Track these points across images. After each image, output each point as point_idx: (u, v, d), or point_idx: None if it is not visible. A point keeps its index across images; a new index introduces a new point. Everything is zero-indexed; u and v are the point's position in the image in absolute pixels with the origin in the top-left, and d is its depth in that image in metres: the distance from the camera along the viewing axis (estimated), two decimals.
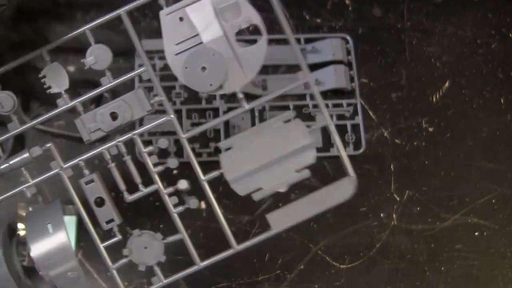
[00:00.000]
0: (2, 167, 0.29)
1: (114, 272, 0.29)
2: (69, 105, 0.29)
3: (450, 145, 0.52)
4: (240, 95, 0.28)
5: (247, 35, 0.51)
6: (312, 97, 0.52)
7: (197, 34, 0.28)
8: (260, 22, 0.28)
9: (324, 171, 0.50)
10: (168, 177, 0.30)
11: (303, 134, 0.29)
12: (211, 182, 0.29)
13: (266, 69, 0.52)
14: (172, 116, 0.29)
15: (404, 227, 0.50)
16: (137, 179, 0.29)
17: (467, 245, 0.50)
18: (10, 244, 0.29)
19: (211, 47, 0.28)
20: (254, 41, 0.28)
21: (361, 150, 0.51)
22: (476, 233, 0.50)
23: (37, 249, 0.27)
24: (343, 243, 0.50)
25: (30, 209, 0.32)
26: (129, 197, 0.29)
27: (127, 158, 0.29)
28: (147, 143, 0.31)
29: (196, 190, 0.30)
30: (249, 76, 0.28)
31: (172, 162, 0.29)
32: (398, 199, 0.51)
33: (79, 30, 0.28)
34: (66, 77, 0.28)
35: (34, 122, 0.29)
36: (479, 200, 0.51)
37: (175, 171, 0.30)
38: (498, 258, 0.50)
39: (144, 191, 0.29)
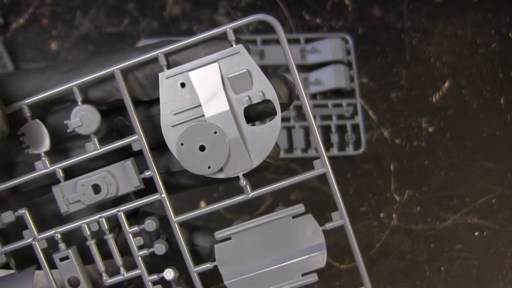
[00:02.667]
0: None
1: None
2: (48, 169, 0.25)
3: (450, 145, 0.52)
4: (243, 182, 0.24)
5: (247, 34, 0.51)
6: (312, 97, 0.52)
7: (199, 105, 0.24)
8: (275, 98, 0.24)
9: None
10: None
11: (314, 233, 0.25)
12: None
13: (266, 69, 0.52)
14: (163, 195, 0.25)
15: (404, 227, 0.50)
16: (119, 262, 0.26)
17: (467, 245, 0.50)
18: None
19: (213, 123, 0.23)
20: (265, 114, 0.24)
21: (361, 150, 0.51)
22: (476, 233, 0.50)
23: None
24: (343, 243, 0.49)
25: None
26: (108, 280, 0.26)
27: (109, 237, 0.26)
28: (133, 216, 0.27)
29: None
30: (255, 161, 0.24)
31: (159, 249, 0.26)
32: (398, 199, 0.50)
33: (65, 86, 0.24)
34: (46, 137, 0.25)
35: (6, 185, 0.25)
36: (479, 200, 0.51)
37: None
38: (498, 258, 0.50)
39: (125, 275, 0.26)
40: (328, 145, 0.51)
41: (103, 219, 0.25)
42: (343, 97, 0.52)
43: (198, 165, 0.24)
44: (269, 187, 0.25)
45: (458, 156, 0.52)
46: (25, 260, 0.26)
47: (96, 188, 0.25)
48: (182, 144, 0.24)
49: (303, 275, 0.25)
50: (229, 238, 0.25)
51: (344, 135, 0.51)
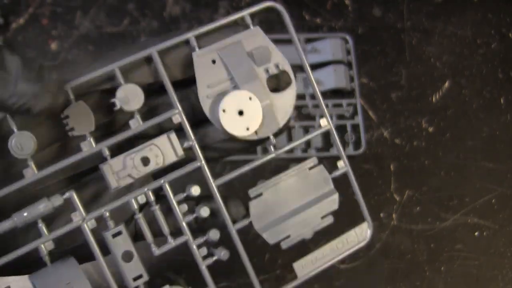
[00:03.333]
0: (19, 222, 0.25)
1: None
2: (94, 149, 0.26)
3: (450, 145, 0.52)
4: (273, 141, 0.28)
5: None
6: (312, 97, 0.52)
7: (231, 78, 0.27)
8: (289, 69, 0.28)
9: None
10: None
11: (325, 180, 0.29)
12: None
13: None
14: (202, 162, 0.27)
15: (404, 227, 0.50)
16: (166, 230, 0.27)
17: (467, 245, 0.50)
18: None
19: (247, 91, 0.27)
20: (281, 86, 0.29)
21: (361, 150, 0.51)
22: (476, 233, 0.50)
23: None
24: None
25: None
26: (157, 251, 0.27)
27: (156, 208, 0.27)
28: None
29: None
30: (281, 121, 0.28)
31: (203, 212, 0.27)
32: (398, 199, 0.51)
33: (108, 68, 0.26)
34: (91, 118, 0.26)
35: (48, 170, 0.26)
36: (479, 200, 0.51)
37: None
38: (498, 258, 0.50)
39: (173, 243, 0.27)
40: (328, 145, 0.51)
41: (150, 191, 0.26)
42: (343, 97, 0.52)
43: (238, 128, 0.27)
44: (289, 145, 0.28)
45: (458, 156, 0.52)
46: (28, 266, 0.26)
47: (145, 161, 0.26)
48: (224, 111, 0.27)
49: (322, 218, 0.29)
50: (261, 194, 0.28)
51: (344, 135, 0.51)
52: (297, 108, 0.52)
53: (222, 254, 0.28)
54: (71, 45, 0.52)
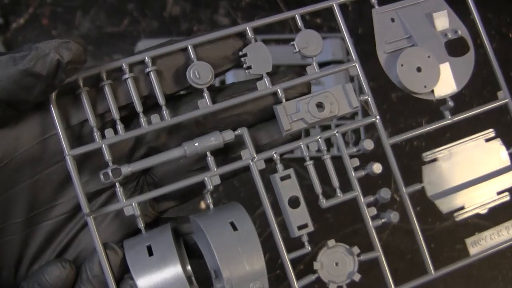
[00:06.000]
0: (189, 152, 0.24)
1: None
2: (269, 90, 0.26)
3: None
4: (451, 104, 0.28)
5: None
6: None
7: (409, 36, 0.27)
8: (467, 35, 0.29)
9: (324, 170, 0.50)
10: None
11: (502, 155, 0.28)
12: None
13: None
14: (377, 117, 0.28)
15: (404, 227, 0.50)
16: (336, 183, 0.27)
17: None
18: (179, 245, 0.25)
19: (425, 50, 0.27)
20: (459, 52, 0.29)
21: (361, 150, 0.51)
22: (476, 233, 0.50)
23: (221, 248, 0.23)
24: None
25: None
26: (325, 203, 0.26)
27: (327, 157, 0.26)
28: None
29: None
30: (459, 86, 0.28)
31: (376, 167, 0.27)
32: (398, 199, 0.50)
33: (287, 14, 0.27)
34: (269, 58, 0.26)
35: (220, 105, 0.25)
36: None
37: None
38: (498, 258, 0.50)
39: (342, 197, 0.26)
40: (328, 145, 0.51)
41: (322, 139, 0.26)
42: None
43: (415, 84, 0.27)
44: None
45: None
46: None
47: (320, 106, 0.26)
48: (402, 65, 0.27)
49: (498, 193, 0.28)
50: (435, 160, 0.28)
51: (344, 135, 0.51)
52: None
53: (392, 216, 0.27)
54: None
